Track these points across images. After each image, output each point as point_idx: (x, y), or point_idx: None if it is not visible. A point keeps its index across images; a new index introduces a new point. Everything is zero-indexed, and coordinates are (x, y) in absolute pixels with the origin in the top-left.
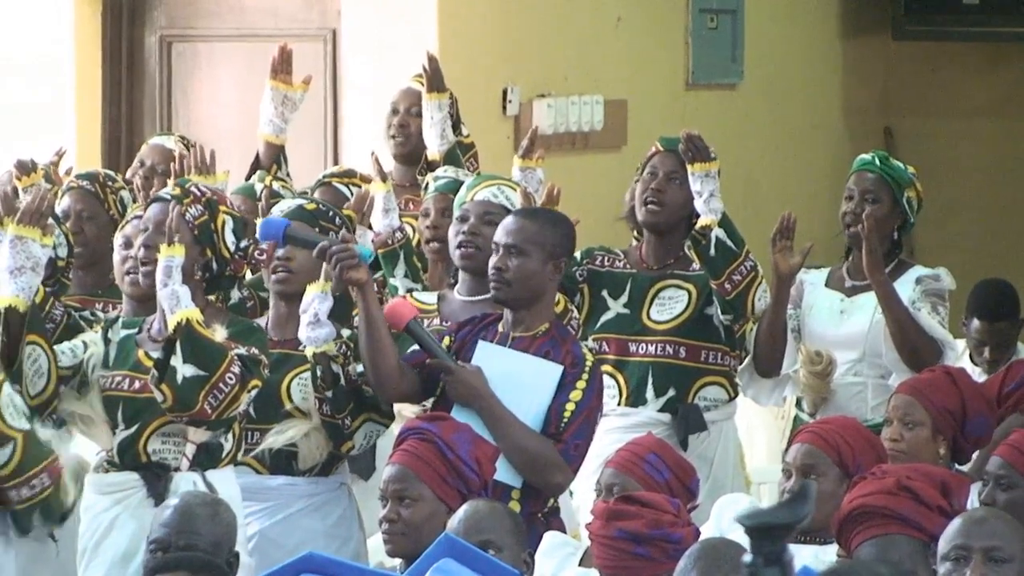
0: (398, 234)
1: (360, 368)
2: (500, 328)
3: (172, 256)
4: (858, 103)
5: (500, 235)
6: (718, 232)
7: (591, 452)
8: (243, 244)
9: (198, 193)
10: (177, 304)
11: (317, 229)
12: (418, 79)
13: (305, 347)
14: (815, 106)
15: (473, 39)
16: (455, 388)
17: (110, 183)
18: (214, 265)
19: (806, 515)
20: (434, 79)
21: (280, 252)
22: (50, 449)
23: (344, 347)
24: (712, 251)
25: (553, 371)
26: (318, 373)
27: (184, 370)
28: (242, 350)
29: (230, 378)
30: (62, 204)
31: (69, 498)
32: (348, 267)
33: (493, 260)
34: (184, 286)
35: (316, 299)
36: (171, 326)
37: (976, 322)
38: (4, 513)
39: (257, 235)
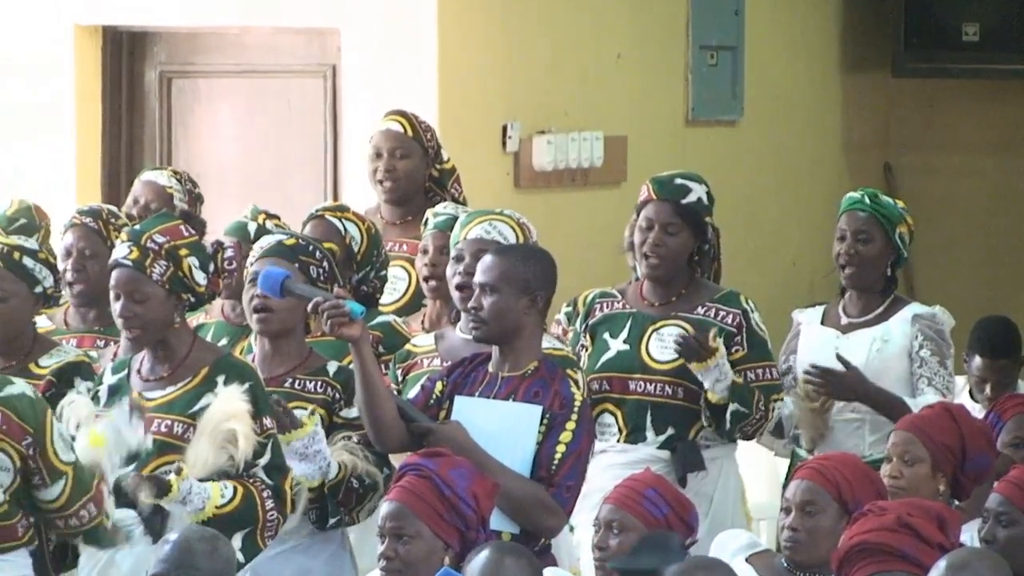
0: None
1: (352, 413)
2: (490, 368)
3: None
4: (858, 139)
5: (476, 275)
6: (732, 408)
7: (591, 488)
8: (211, 269)
9: (155, 247)
10: (200, 503)
11: (297, 265)
12: (395, 118)
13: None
14: (815, 142)
15: (473, 75)
16: (437, 447)
17: (113, 220)
18: (192, 299)
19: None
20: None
21: (259, 291)
22: (93, 475)
23: (330, 388)
24: (728, 424)
25: (532, 412)
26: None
27: (236, 540)
28: (262, 463)
29: (271, 514)
30: (64, 240)
31: (109, 521)
32: (339, 324)
33: (471, 301)
34: (199, 485)
35: (307, 439)
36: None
37: (978, 359)
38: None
39: (257, 285)
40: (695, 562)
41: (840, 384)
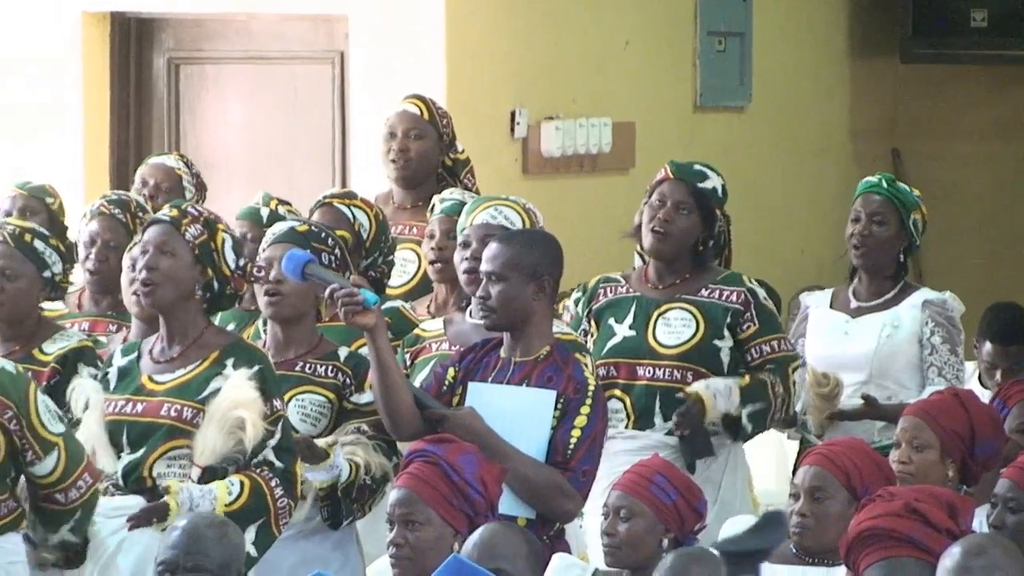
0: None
1: (363, 398)
2: (502, 354)
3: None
4: (866, 125)
5: (482, 263)
6: (747, 411)
7: (599, 474)
8: (241, 263)
9: (195, 213)
10: (206, 506)
11: (309, 251)
12: (412, 101)
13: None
14: (823, 128)
15: (481, 61)
16: (452, 433)
17: (141, 213)
18: (215, 284)
19: (779, 541)
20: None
21: (271, 275)
22: (83, 447)
23: (341, 373)
24: (749, 428)
25: (547, 397)
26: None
27: (249, 534)
28: (269, 447)
29: (281, 502)
30: (89, 227)
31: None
32: (352, 312)
33: (479, 290)
34: (201, 495)
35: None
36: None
37: (988, 345)
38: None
39: (281, 266)
40: (688, 554)
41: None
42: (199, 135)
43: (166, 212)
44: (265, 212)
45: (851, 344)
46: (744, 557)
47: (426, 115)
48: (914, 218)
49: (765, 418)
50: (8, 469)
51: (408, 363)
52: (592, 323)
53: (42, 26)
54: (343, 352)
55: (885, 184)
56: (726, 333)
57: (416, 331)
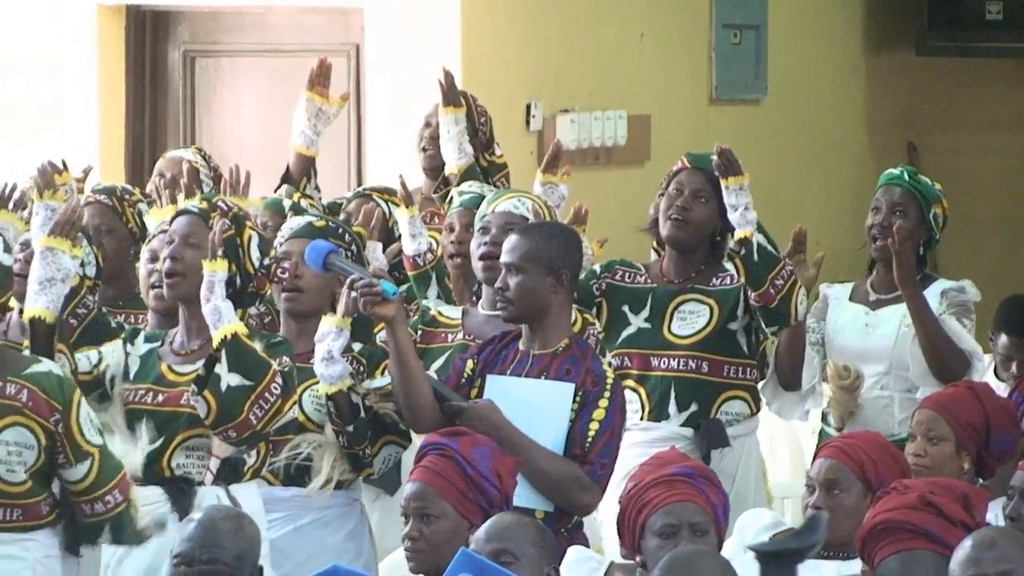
0: (428, 255)
1: (375, 383)
2: (520, 346)
3: (215, 271)
4: (881, 118)
5: (502, 254)
6: (758, 238)
7: (615, 466)
8: (266, 261)
9: (225, 207)
10: (220, 319)
11: None
12: None
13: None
14: (838, 121)
15: (496, 54)
16: (470, 425)
17: (127, 196)
18: (238, 280)
19: (816, 544)
20: (450, 94)
21: (287, 267)
22: (121, 464)
23: (355, 362)
24: (755, 256)
25: (565, 390)
26: (333, 409)
27: (229, 379)
28: (280, 366)
29: (275, 388)
30: None
31: (141, 521)
32: (371, 303)
33: (497, 281)
34: (227, 301)
35: (331, 335)
36: (216, 341)
37: (1004, 337)
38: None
39: (304, 256)
40: (693, 551)
41: (900, 264)
42: (215, 128)
43: (195, 204)
44: (287, 204)
45: (871, 336)
46: (781, 558)
47: (464, 109)
48: (935, 211)
49: (768, 269)
50: (50, 471)
51: (416, 336)
52: (604, 300)
53: (57, 19)
54: (357, 346)
55: (907, 176)
56: (739, 312)
57: (433, 312)
